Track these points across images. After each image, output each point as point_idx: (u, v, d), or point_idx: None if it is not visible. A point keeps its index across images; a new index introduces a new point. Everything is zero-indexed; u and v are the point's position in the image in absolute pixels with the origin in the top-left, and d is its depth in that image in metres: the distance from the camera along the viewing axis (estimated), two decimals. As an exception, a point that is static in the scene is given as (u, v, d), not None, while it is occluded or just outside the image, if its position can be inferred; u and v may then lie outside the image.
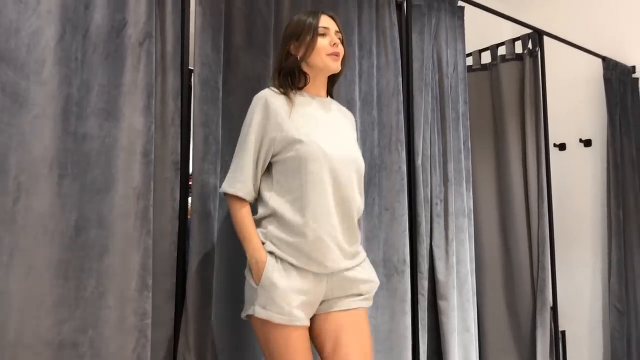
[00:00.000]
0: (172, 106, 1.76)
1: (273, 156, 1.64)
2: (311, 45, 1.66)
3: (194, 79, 1.83)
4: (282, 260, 1.56)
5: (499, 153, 3.27)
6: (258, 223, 1.64)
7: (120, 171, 1.59)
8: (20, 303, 1.41)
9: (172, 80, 1.77)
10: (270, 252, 1.57)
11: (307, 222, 1.56)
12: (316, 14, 1.69)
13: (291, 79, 1.71)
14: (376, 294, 2.18)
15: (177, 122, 1.77)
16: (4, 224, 1.40)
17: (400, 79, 2.42)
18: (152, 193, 1.64)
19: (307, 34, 1.66)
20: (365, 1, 2.36)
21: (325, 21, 1.69)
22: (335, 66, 1.70)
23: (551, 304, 3.05)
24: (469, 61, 3.43)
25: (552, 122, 3.79)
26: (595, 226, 3.84)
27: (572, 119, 4.02)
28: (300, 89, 1.72)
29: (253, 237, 1.58)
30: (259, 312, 1.54)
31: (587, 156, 3.93)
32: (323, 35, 1.67)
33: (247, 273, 1.63)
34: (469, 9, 2.88)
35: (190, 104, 1.85)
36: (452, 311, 2.49)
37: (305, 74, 1.71)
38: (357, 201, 1.70)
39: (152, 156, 1.65)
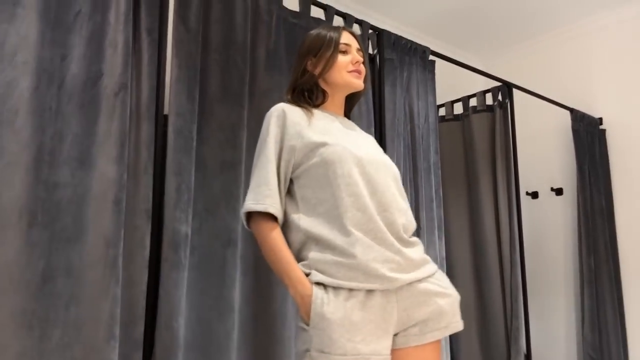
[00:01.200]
0: (145, 155, 1.78)
1: (294, 170, 1.44)
2: (331, 61, 1.54)
3: (168, 128, 1.86)
4: (334, 288, 1.30)
5: (471, 201, 3.34)
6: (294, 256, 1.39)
7: (91, 219, 1.59)
8: (-18, 354, 1.38)
9: (147, 129, 1.80)
10: (318, 283, 1.31)
11: (351, 232, 1.33)
12: (337, 29, 1.59)
13: (308, 96, 1.59)
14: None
15: (150, 170, 1.79)
16: (-31, 273, 1.39)
17: (373, 129, 2.48)
18: (122, 241, 1.64)
19: (327, 49, 1.55)
20: (339, 54, 2.44)
21: (347, 37, 1.58)
22: (357, 83, 1.57)
23: (525, 352, 3.06)
24: (442, 112, 3.53)
25: (524, 171, 3.89)
26: (567, 274, 3.89)
27: (544, 168, 4.13)
28: (317, 106, 1.60)
29: (293, 267, 1.32)
30: (317, 357, 1.25)
31: (559, 204, 4.02)
32: (344, 52, 1.57)
33: (298, 315, 1.36)
34: (442, 61, 2.99)
35: (165, 153, 1.87)
36: (425, 360, 2.48)
37: (323, 91, 1.60)
38: (403, 208, 1.47)
39: (124, 204, 1.66)
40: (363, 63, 1.61)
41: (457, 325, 1.43)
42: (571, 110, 3.75)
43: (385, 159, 1.54)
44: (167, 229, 1.79)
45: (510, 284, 3.09)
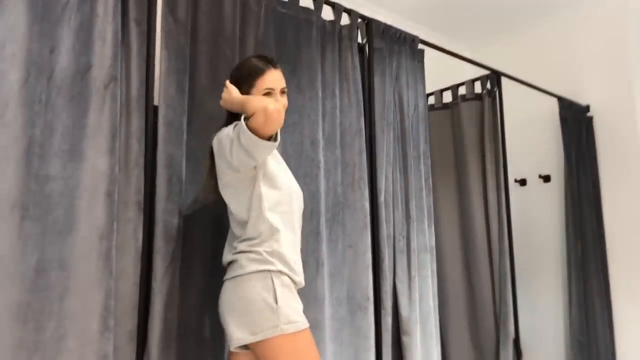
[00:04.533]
0: (136, 147, 1.78)
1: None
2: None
3: (158, 120, 1.86)
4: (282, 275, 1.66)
5: (460, 190, 3.36)
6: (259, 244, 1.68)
7: (83, 212, 1.60)
8: (-23, 347, 1.39)
9: (137, 122, 1.80)
10: (269, 271, 1.63)
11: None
12: (263, 71, 1.77)
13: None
14: (341, 330, 2.21)
15: (141, 162, 1.79)
16: (-38, 267, 1.39)
17: (363, 119, 2.49)
18: (115, 234, 1.65)
19: (251, 90, 1.76)
20: (329, 45, 2.44)
21: (271, 81, 1.77)
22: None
23: (514, 337, 3.11)
24: (431, 100, 3.55)
25: (513, 158, 3.92)
26: (555, 260, 3.95)
27: (532, 155, 4.17)
28: None
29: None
30: (287, 328, 1.57)
31: (547, 191, 4.07)
32: (268, 94, 1.76)
33: (251, 291, 1.62)
34: (431, 50, 3.00)
35: (156, 145, 1.87)
36: (416, 347, 2.51)
37: None
38: None
39: (116, 197, 1.66)
40: (286, 95, 1.83)
41: None
42: (559, 98, 3.78)
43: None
44: (159, 220, 1.79)
45: (499, 271, 3.12)
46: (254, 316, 1.57)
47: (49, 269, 1.51)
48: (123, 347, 1.68)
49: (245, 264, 1.64)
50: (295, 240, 1.76)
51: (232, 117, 1.76)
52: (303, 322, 1.63)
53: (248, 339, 1.57)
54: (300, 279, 1.73)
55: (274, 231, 1.67)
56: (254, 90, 1.76)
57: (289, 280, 1.66)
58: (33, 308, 1.48)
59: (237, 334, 1.59)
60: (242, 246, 1.68)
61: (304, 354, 1.61)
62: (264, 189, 1.68)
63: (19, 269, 1.47)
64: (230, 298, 1.65)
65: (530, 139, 4.18)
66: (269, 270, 1.62)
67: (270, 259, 1.63)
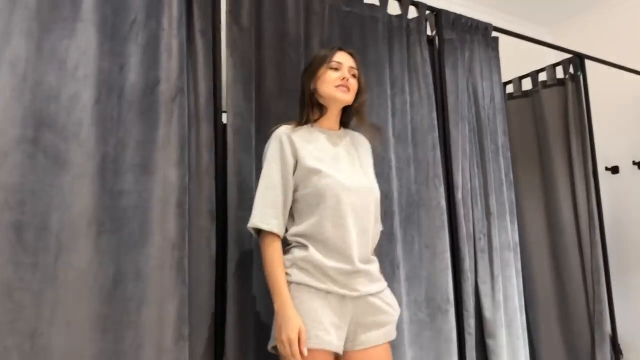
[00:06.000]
0: (206, 157, 1.81)
1: (294, 192, 1.68)
2: (321, 77, 1.74)
3: (227, 128, 1.87)
4: (308, 287, 1.58)
5: (545, 181, 3.18)
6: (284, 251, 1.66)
7: (156, 223, 1.63)
8: (62, 357, 1.45)
9: (206, 132, 1.82)
10: (292, 282, 1.59)
11: (329, 254, 1.61)
12: (332, 49, 1.78)
13: (307, 112, 1.77)
14: (420, 334, 2.15)
15: (212, 171, 1.81)
16: (47, 281, 1.46)
17: (435, 114, 2.40)
18: (187, 243, 1.67)
19: (320, 66, 1.75)
20: (396, 40, 2.38)
21: (340, 56, 1.76)
22: (343, 97, 1.74)
23: (611, 336, 2.90)
24: (509, 89, 3.38)
25: (602, 145, 3.67)
26: (655, 252, 3.66)
27: (624, 141, 3.88)
28: (315, 120, 1.78)
29: (283, 288, 1.56)
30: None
31: (643, 178, 3.77)
32: (335, 69, 1.74)
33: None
34: (507, 36, 2.85)
35: (226, 153, 1.88)
36: (502, 350, 2.40)
37: (320, 106, 1.77)
38: (374, 230, 1.75)
39: (187, 207, 1.69)
40: (358, 78, 1.78)
41: (392, 335, 1.73)
42: (652, 77, 3.50)
43: (368, 182, 1.75)
44: (232, 228, 1.81)
45: (590, 266, 2.93)
46: None
47: (125, 281, 1.56)
48: (202, 354, 1.70)
49: None
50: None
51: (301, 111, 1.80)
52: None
53: None
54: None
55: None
56: (323, 65, 1.74)
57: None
58: (112, 318, 1.53)
59: None
60: None
61: None
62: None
63: (97, 281, 1.52)
64: None
65: (621, 124, 3.89)
66: None
67: None
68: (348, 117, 1.86)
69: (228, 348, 1.73)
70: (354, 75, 1.77)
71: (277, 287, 1.56)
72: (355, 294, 1.61)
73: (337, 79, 1.72)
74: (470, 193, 2.50)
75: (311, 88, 1.76)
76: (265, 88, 2.00)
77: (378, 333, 1.67)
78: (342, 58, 1.76)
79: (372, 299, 1.66)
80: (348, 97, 1.75)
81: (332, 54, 1.75)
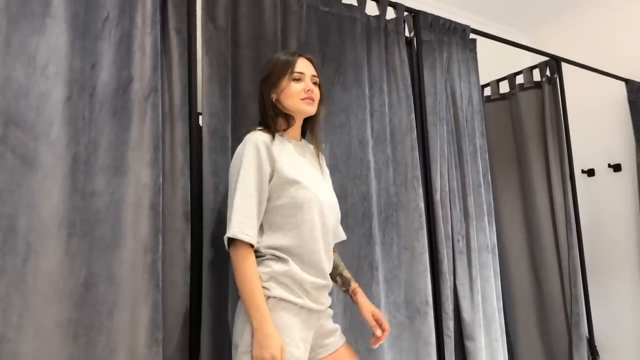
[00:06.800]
0: (181, 157, 1.77)
1: (268, 201, 1.63)
2: (285, 90, 1.69)
3: (202, 129, 1.84)
4: (287, 302, 1.55)
5: (523, 183, 3.20)
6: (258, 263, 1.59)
7: (129, 226, 1.59)
8: (31, 364, 1.40)
9: (181, 132, 1.78)
10: (271, 297, 1.54)
11: (305, 268, 1.60)
12: (293, 55, 1.72)
13: (275, 122, 1.72)
14: (399, 337, 2.13)
15: (187, 172, 1.77)
16: (14, 285, 1.41)
17: (413, 116, 2.40)
18: (160, 246, 1.63)
19: (281, 77, 1.69)
20: (374, 41, 2.37)
21: (301, 66, 1.71)
22: (310, 110, 1.72)
23: (587, 337, 2.92)
24: (487, 91, 3.40)
25: (578, 148, 3.71)
26: (630, 254, 3.70)
27: (599, 143, 3.93)
28: (285, 130, 1.75)
29: (262, 304, 1.50)
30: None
31: (618, 181, 3.82)
32: (298, 79, 1.70)
33: (238, 317, 1.58)
34: (484, 40, 2.86)
35: (201, 154, 1.85)
36: (481, 352, 2.40)
37: (286, 116, 1.73)
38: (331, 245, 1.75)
39: (160, 208, 1.65)
40: (319, 86, 1.75)
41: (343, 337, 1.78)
42: (626, 80, 3.55)
43: (333, 198, 1.74)
44: (207, 230, 1.77)
45: (568, 268, 2.95)
46: None
47: (97, 284, 1.51)
48: (175, 359, 1.66)
49: None
50: None
51: (264, 119, 1.74)
52: None
53: None
54: None
55: None
56: (284, 76, 1.69)
57: None
58: (83, 323, 1.48)
59: None
60: None
61: None
62: None
63: (68, 284, 1.48)
64: None
65: (597, 127, 3.94)
66: None
67: None
68: (309, 127, 1.83)
69: (203, 353, 1.70)
70: (315, 83, 1.74)
71: (256, 302, 1.49)
72: (322, 307, 1.65)
73: (302, 92, 1.69)
74: (448, 195, 2.50)
75: (273, 99, 1.71)
76: (241, 88, 1.97)
77: (335, 337, 1.73)
78: (304, 67, 1.72)
79: (328, 310, 1.74)
80: (313, 109, 1.73)
81: (294, 64, 1.70)
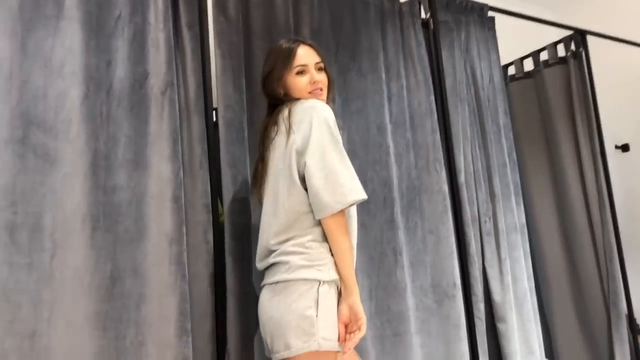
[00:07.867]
0: (199, 150, 1.79)
1: None
2: (290, 85, 1.62)
3: (219, 121, 1.85)
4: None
5: (552, 161, 3.13)
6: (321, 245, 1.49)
7: (152, 219, 1.62)
8: (62, 357, 1.44)
9: (197, 125, 1.80)
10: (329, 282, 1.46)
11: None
12: (292, 48, 1.62)
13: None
14: (427, 320, 2.12)
15: (205, 165, 1.79)
16: (43, 280, 1.45)
17: (433, 98, 2.37)
18: (185, 238, 1.65)
19: (284, 72, 1.62)
20: (389, 24, 2.34)
21: (302, 57, 1.62)
22: (321, 100, 1.62)
23: (627, 315, 2.85)
24: (512, 70, 3.33)
25: (611, 123, 3.60)
26: (669, 229, 3.58)
27: (632, 118, 3.81)
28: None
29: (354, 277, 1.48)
30: (324, 344, 1.39)
31: (654, 155, 3.70)
32: (302, 72, 1.61)
33: (305, 304, 1.43)
34: (506, 18, 2.80)
35: (218, 146, 1.86)
36: (513, 333, 2.36)
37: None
38: None
39: (183, 201, 1.67)
40: (325, 70, 1.66)
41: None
42: (657, 50, 3.43)
43: None
44: (228, 221, 1.79)
45: (602, 245, 2.87)
46: None
47: (123, 277, 1.55)
48: (203, 349, 1.69)
49: None
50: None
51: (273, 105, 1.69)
52: None
53: None
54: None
55: None
56: (287, 71, 1.61)
57: None
58: (111, 316, 1.51)
59: None
60: None
61: None
62: None
63: (94, 279, 1.51)
64: None
65: (629, 100, 3.82)
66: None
67: None
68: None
69: (230, 342, 1.72)
70: (320, 69, 1.65)
71: (353, 273, 1.47)
72: None
73: (308, 85, 1.61)
74: (473, 176, 2.46)
75: (281, 94, 1.64)
76: (256, 79, 1.97)
77: None
78: (305, 57, 1.62)
79: None
80: (323, 98, 1.64)
81: (294, 56, 1.61)
